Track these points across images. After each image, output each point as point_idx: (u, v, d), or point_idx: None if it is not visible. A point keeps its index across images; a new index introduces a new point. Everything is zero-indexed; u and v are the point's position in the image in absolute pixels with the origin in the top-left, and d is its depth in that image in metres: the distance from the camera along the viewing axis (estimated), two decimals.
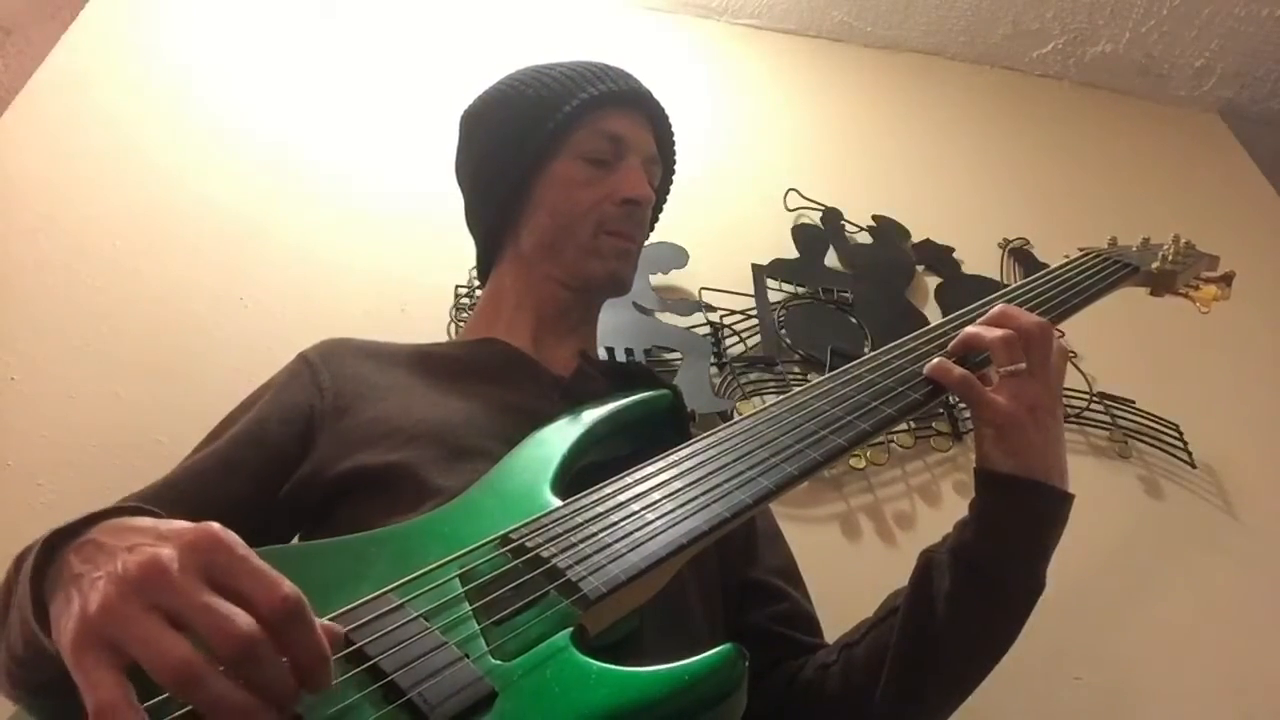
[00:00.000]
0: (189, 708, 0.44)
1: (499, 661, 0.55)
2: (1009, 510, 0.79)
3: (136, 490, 0.81)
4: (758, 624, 0.92)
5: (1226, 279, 1.13)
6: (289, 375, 0.90)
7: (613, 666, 0.54)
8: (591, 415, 0.85)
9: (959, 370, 0.80)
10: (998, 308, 0.84)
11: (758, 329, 1.56)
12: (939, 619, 0.78)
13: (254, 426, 0.85)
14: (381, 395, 0.88)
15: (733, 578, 0.92)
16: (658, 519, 0.65)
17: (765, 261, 1.67)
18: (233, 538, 0.48)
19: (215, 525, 0.48)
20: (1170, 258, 1.09)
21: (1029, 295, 0.95)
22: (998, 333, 0.80)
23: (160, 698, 0.45)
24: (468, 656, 0.55)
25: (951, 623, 0.77)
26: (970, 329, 0.83)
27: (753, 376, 1.48)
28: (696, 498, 0.67)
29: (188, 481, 0.81)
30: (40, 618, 0.54)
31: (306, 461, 0.83)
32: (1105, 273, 1.03)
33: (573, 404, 0.87)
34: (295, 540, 0.86)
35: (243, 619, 0.44)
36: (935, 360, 0.81)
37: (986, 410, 0.79)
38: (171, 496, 0.79)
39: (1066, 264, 1.04)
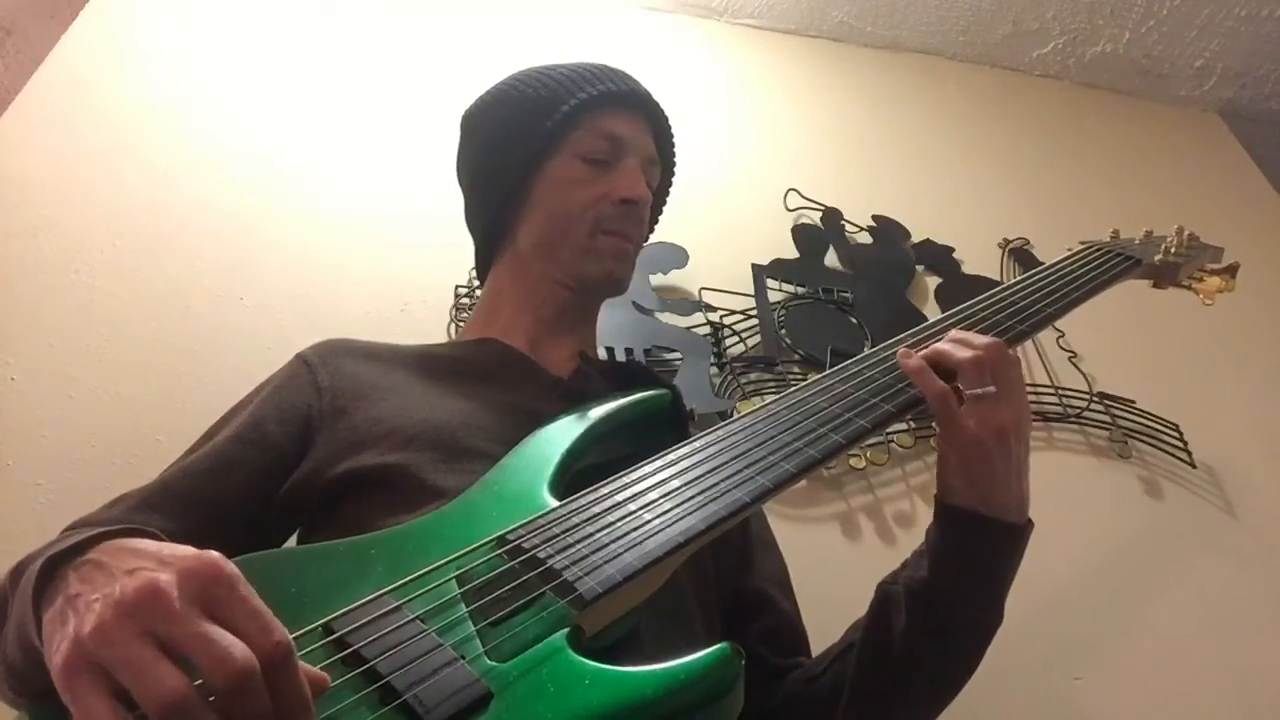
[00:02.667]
0: None
1: (495, 663, 0.55)
2: (966, 549, 0.77)
3: (133, 489, 0.81)
4: (743, 641, 0.92)
5: (1231, 270, 1.12)
6: (287, 375, 0.90)
7: (608, 667, 0.54)
8: (590, 415, 0.85)
9: (941, 383, 0.76)
10: (952, 332, 0.81)
11: (758, 329, 1.56)
12: (895, 655, 0.78)
13: (251, 426, 0.84)
14: (380, 396, 0.88)
15: (727, 585, 0.92)
16: (654, 519, 0.65)
17: (765, 261, 1.67)
18: (234, 571, 0.47)
19: (217, 555, 0.48)
20: (1174, 250, 1.09)
21: (1031, 288, 0.94)
22: (966, 353, 0.77)
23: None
24: (464, 658, 0.55)
25: (908, 659, 0.77)
26: (938, 346, 0.79)
27: (753, 376, 1.48)
28: (694, 497, 0.67)
29: (184, 481, 0.81)
30: (41, 632, 0.54)
31: (305, 462, 0.83)
32: (1107, 265, 1.02)
33: (572, 404, 0.87)
34: (292, 540, 0.87)
35: (241, 650, 0.44)
36: (916, 363, 0.77)
37: (956, 433, 0.75)
38: (168, 496, 0.79)
39: (1068, 257, 1.04)
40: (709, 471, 0.70)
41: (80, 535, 0.56)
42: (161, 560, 0.48)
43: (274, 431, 0.84)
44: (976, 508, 0.76)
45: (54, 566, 0.55)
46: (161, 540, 0.54)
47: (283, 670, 0.45)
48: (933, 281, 1.76)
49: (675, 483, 0.69)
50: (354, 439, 0.83)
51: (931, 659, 0.77)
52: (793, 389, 0.82)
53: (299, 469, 0.83)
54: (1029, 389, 1.57)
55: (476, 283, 1.44)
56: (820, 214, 1.81)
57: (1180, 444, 1.55)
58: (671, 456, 0.73)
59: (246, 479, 0.81)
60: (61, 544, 0.55)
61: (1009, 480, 0.76)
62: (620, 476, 0.71)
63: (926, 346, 0.81)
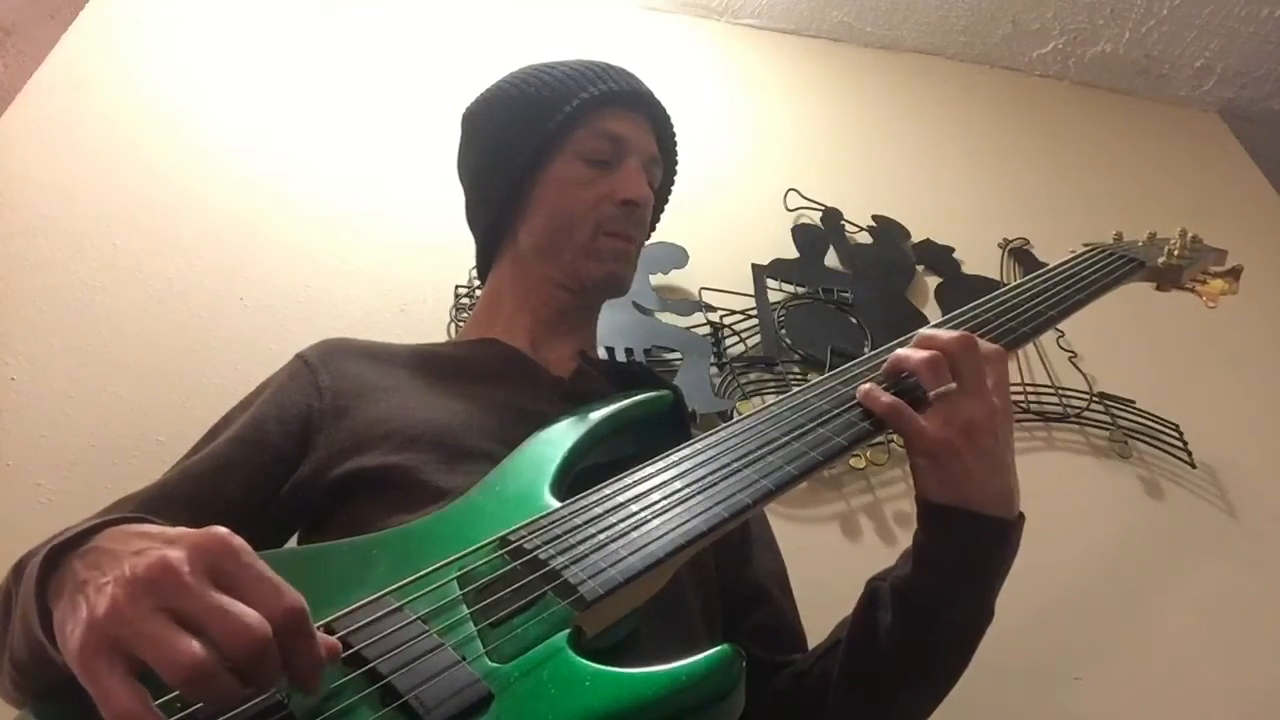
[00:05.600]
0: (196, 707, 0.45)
1: (496, 664, 0.55)
2: (947, 546, 0.75)
3: (133, 492, 0.81)
4: (738, 637, 0.91)
5: (1234, 273, 1.12)
6: (287, 376, 0.90)
7: (609, 668, 0.54)
8: (592, 416, 0.85)
9: (887, 397, 0.75)
10: (917, 334, 0.80)
11: (758, 329, 1.56)
12: (881, 653, 0.77)
13: (252, 427, 0.84)
14: (381, 396, 0.88)
15: (727, 584, 0.91)
16: (656, 520, 0.64)
17: (765, 261, 1.67)
18: (240, 543, 0.48)
19: (222, 529, 0.48)
20: (1177, 252, 1.09)
21: (1034, 290, 0.94)
22: (922, 354, 0.75)
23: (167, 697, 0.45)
24: (465, 659, 0.55)
25: (894, 657, 0.76)
26: (897, 352, 0.78)
27: (753, 376, 1.48)
28: (695, 499, 0.67)
29: (184, 483, 0.81)
30: (46, 626, 0.54)
31: (305, 463, 0.83)
32: (1110, 268, 1.02)
33: (573, 405, 0.87)
34: (294, 541, 0.86)
35: (256, 620, 0.45)
36: (865, 385, 0.76)
37: (917, 439, 0.74)
38: (168, 498, 0.79)
39: (1071, 259, 1.04)
40: (711, 473, 0.69)
41: (81, 526, 0.56)
42: (168, 539, 0.49)
43: (274, 432, 0.84)
44: (955, 503, 0.74)
45: (57, 556, 0.55)
46: (162, 525, 0.55)
47: (298, 632, 0.47)
48: (933, 281, 1.77)
49: (677, 484, 0.69)
50: (355, 439, 0.83)
51: (917, 657, 0.76)
52: (795, 390, 0.82)
53: (299, 470, 0.83)
54: (1029, 389, 1.57)
55: (477, 283, 1.44)
56: (820, 214, 1.81)
57: (1180, 444, 1.55)
58: (674, 458, 0.73)
59: (246, 480, 0.81)
60: (63, 535, 0.56)
61: (985, 475, 0.74)
62: (622, 478, 0.71)
63: None
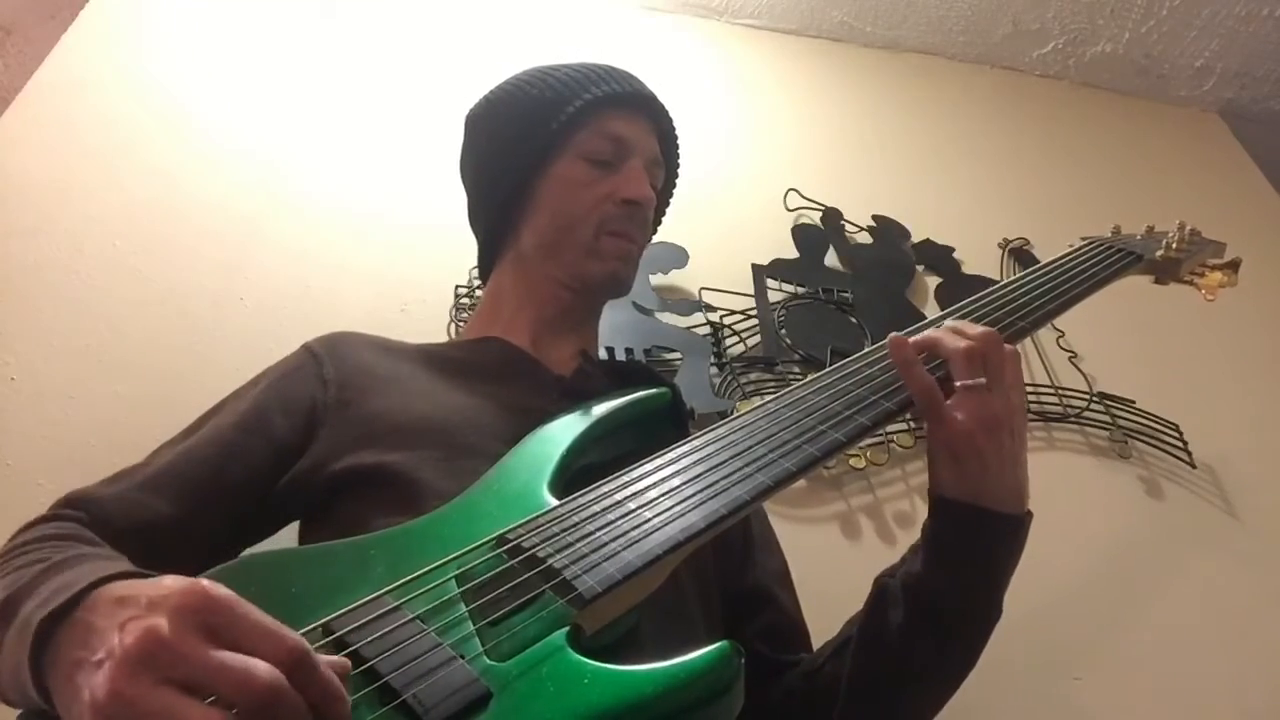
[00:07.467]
0: None
1: (494, 662, 0.55)
2: (960, 542, 0.76)
3: (132, 465, 0.81)
4: (744, 638, 0.91)
5: (1233, 265, 1.12)
6: (293, 366, 0.90)
7: (607, 666, 0.54)
8: (591, 414, 0.85)
9: (928, 377, 0.75)
10: (948, 323, 0.80)
11: (758, 329, 1.56)
12: (891, 650, 0.77)
13: (255, 416, 0.84)
14: (383, 390, 0.88)
15: (728, 583, 0.91)
16: (654, 517, 0.64)
17: (765, 261, 1.67)
18: (225, 593, 0.46)
19: (203, 583, 0.47)
20: (1175, 245, 1.08)
21: (1032, 284, 0.94)
22: (961, 343, 0.76)
23: None
24: (463, 657, 0.55)
25: (904, 653, 0.76)
26: (931, 333, 0.79)
27: (753, 376, 1.48)
28: (694, 495, 0.67)
29: (187, 466, 0.80)
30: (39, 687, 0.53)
31: (306, 456, 0.83)
32: (1108, 261, 1.02)
33: (572, 402, 0.87)
34: (294, 533, 0.87)
35: (265, 669, 0.44)
36: (907, 354, 0.75)
37: (943, 427, 0.74)
38: (170, 479, 0.79)
39: (1069, 253, 1.04)
40: (709, 469, 0.69)
41: (58, 598, 0.53)
42: (151, 603, 0.47)
43: (279, 424, 0.84)
44: (969, 499, 0.75)
45: (44, 634, 0.53)
46: (137, 577, 0.53)
47: (306, 671, 0.45)
48: (933, 281, 1.76)
49: (675, 480, 0.69)
50: (356, 434, 0.83)
51: (928, 653, 0.76)
52: (793, 386, 0.81)
53: (299, 462, 0.83)
54: (1028, 388, 1.57)
55: (477, 283, 1.44)
56: (820, 214, 1.81)
57: (1180, 444, 1.55)
58: (672, 454, 0.73)
59: (248, 469, 0.81)
60: (43, 607, 0.53)
61: (1001, 472, 0.74)
62: (620, 475, 0.71)
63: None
